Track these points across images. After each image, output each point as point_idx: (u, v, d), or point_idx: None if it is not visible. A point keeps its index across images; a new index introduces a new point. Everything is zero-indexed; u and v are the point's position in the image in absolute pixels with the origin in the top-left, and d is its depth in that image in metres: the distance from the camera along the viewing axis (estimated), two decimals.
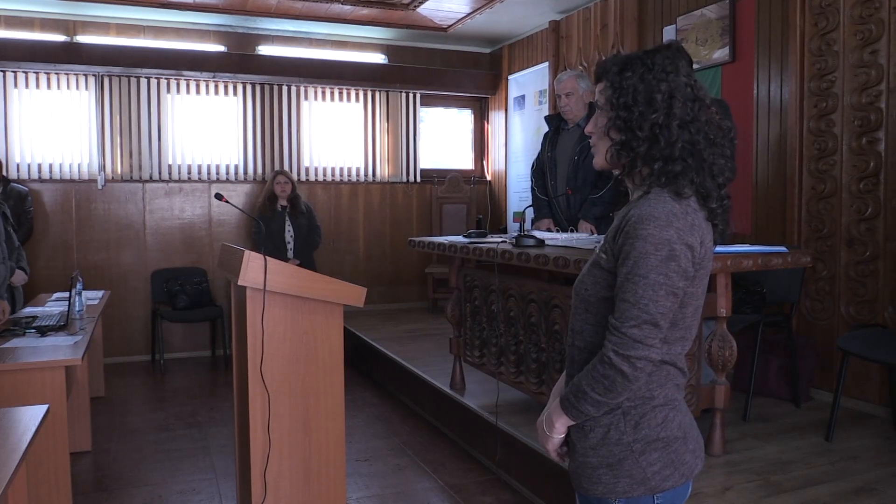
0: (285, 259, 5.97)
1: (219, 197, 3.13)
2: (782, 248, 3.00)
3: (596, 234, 3.94)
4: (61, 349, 3.15)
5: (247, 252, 2.44)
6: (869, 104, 3.66)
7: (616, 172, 1.50)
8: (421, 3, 6.01)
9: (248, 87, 6.68)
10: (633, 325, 1.32)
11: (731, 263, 2.79)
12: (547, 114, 5.75)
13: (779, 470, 2.90)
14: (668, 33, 4.96)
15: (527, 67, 6.94)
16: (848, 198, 3.79)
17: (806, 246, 3.96)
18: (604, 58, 1.58)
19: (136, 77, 6.29)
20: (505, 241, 3.59)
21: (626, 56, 1.45)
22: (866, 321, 3.68)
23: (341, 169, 7.13)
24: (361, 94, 7.16)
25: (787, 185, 4.11)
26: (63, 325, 3.62)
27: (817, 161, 3.93)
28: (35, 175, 6.07)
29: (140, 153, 6.35)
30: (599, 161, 1.51)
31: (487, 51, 7.62)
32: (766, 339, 3.85)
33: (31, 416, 2.11)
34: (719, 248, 2.67)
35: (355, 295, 2.65)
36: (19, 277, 4.36)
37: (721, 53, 4.54)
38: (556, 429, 1.47)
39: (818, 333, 3.96)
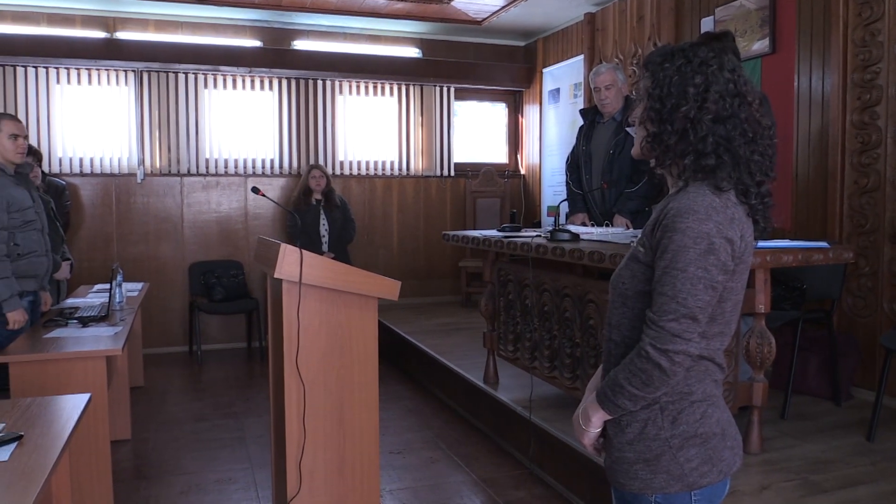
0: (320, 252, 6.01)
1: (255, 191, 3.16)
2: (823, 244, 2.94)
3: (631, 229, 3.90)
4: (102, 340, 3.22)
5: (283, 245, 2.46)
6: None
7: (651, 163, 1.49)
8: None
9: (284, 82, 6.73)
10: (671, 318, 1.30)
11: (770, 259, 2.74)
12: (582, 107, 5.71)
13: (818, 469, 2.85)
14: (707, 24, 4.88)
15: (562, 60, 6.88)
16: (892, 192, 3.69)
17: (848, 241, 3.88)
18: (651, 49, 1.57)
19: (174, 72, 6.39)
20: (539, 236, 3.57)
21: (672, 47, 1.44)
22: None
23: (375, 163, 7.15)
24: (396, 88, 7.17)
25: (828, 179, 4.02)
26: (104, 316, 3.69)
27: (860, 154, 3.84)
28: (76, 169, 6.20)
29: (178, 147, 6.45)
30: (636, 149, 1.52)
31: (522, 44, 7.57)
32: (806, 336, 3.78)
33: (73, 405, 2.16)
34: (759, 244, 2.63)
35: (390, 288, 2.65)
36: (63, 272, 4.45)
37: (761, 45, 4.45)
38: (593, 423, 1.46)
39: (860, 331, 3.87)
